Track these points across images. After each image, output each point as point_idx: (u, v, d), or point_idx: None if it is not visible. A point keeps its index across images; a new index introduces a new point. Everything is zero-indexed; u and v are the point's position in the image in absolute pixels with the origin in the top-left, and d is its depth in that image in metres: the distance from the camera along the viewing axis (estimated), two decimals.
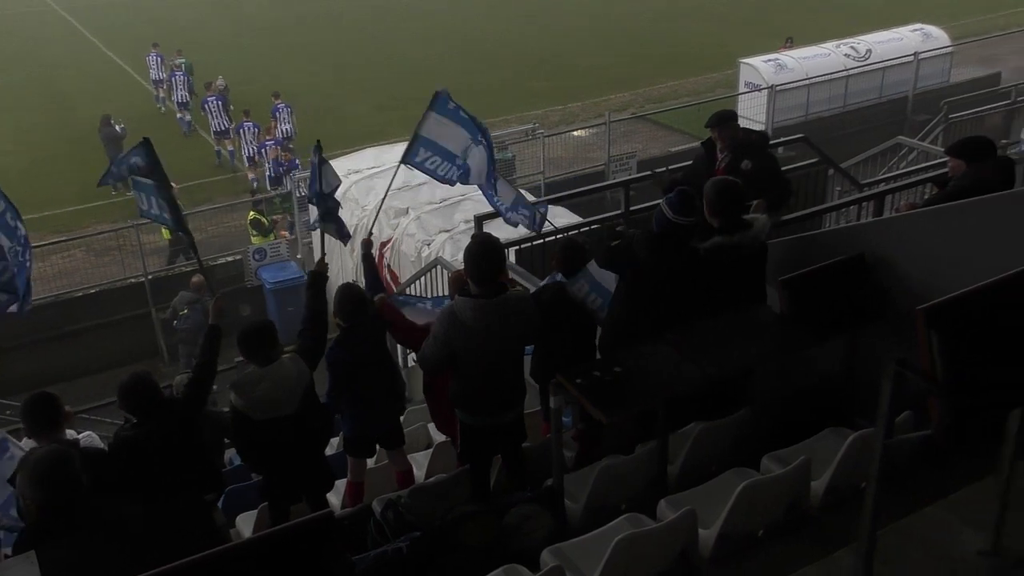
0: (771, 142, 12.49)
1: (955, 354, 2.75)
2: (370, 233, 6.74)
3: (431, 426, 6.81)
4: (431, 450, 6.44)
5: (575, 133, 19.42)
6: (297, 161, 16.82)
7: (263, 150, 17.78)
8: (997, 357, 2.85)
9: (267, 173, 17.69)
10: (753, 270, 5.45)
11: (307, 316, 5.59)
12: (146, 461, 4.89)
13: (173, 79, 21.99)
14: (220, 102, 19.81)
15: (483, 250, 4.80)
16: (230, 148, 19.93)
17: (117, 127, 18.72)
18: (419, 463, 6.37)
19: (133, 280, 13.87)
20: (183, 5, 34.58)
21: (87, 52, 29.56)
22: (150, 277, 13.60)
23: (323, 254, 6.31)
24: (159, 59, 23.41)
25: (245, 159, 18.88)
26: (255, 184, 18.24)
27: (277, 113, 18.72)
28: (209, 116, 19.90)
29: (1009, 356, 2.87)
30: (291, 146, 18.27)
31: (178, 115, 22.31)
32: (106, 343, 13.17)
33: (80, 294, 13.65)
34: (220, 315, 5.53)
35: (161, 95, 23.91)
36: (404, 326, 5.80)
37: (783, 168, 9.07)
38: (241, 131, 18.62)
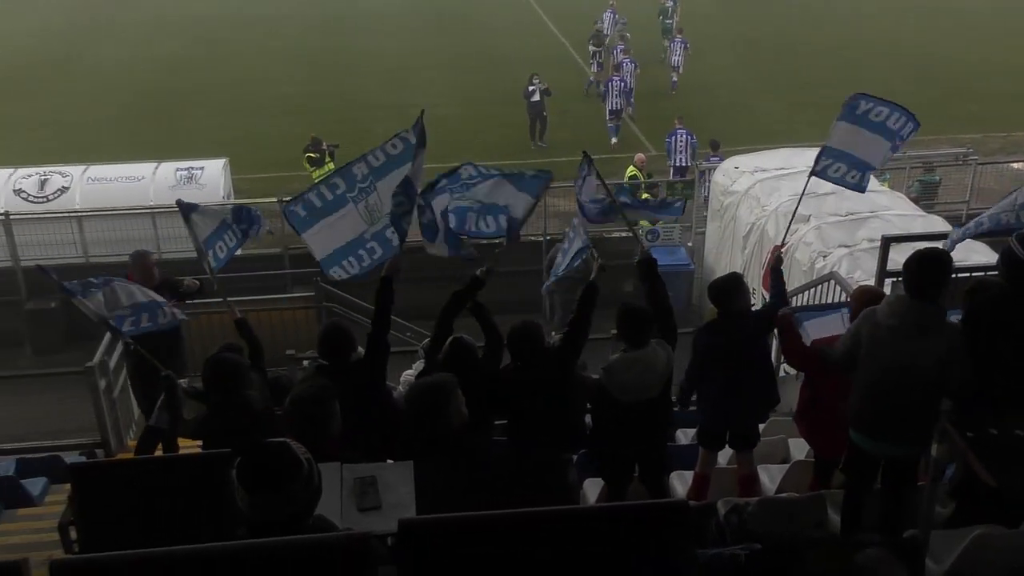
0: None
1: None
2: (783, 243, 6.68)
3: (792, 441, 6.58)
4: (787, 466, 6.21)
5: (1014, 165, 17.37)
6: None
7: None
8: None
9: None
10: None
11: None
12: (522, 403, 5.26)
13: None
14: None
15: (923, 263, 4.72)
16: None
17: (529, 87, 19.89)
18: (772, 475, 6.17)
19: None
20: None
21: (532, 24, 31.61)
22: (548, 238, 14.37)
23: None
24: (612, 16, 24.94)
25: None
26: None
27: (625, 65, 21.54)
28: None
29: None
30: (632, 100, 21.55)
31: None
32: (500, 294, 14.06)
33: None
34: (601, 271, 5.91)
35: (593, 75, 24.27)
36: (795, 340, 5.62)
37: None
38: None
